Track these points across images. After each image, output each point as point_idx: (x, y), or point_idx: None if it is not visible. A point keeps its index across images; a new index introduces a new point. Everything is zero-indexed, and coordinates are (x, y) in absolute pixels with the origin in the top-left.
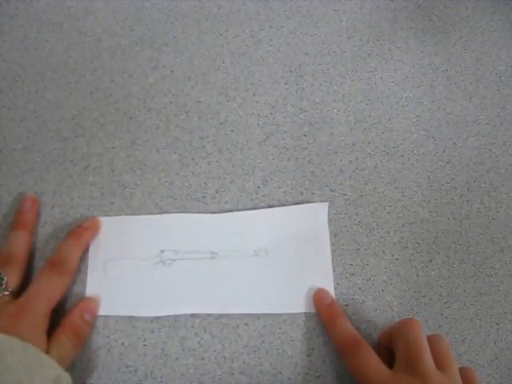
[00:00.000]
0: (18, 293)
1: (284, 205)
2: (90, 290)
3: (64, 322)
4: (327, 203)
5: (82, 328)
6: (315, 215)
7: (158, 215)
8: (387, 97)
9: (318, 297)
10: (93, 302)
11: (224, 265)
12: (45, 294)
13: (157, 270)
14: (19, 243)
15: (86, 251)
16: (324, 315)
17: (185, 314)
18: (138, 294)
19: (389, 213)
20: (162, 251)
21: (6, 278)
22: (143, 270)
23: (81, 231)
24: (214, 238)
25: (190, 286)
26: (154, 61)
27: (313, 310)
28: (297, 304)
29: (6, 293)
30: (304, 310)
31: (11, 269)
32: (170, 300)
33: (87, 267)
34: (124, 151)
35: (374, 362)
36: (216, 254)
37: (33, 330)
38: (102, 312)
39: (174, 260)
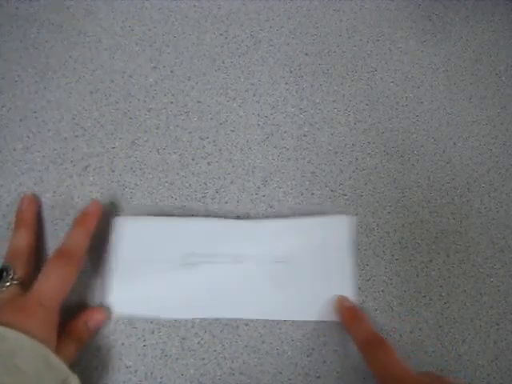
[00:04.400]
0: (27, 285)
1: (285, 205)
2: (113, 290)
3: (69, 328)
4: (355, 217)
5: (85, 335)
6: (341, 227)
7: (184, 218)
8: (387, 97)
9: (340, 300)
10: (100, 313)
11: (247, 270)
12: (54, 287)
13: (181, 272)
14: (22, 240)
15: (109, 251)
16: (345, 316)
17: None
18: (162, 296)
19: (389, 213)
20: (187, 254)
21: (13, 269)
22: (167, 272)
23: (87, 218)
24: (238, 243)
25: (212, 290)
26: (154, 61)
27: (334, 319)
28: (318, 312)
29: (15, 282)
30: (325, 319)
31: (18, 262)
32: (193, 303)
33: (111, 267)
34: (124, 151)
35: (395, 361)
36: (239, 259)
37: (43, 328)
38: (124, 312)
39: (198, 263)
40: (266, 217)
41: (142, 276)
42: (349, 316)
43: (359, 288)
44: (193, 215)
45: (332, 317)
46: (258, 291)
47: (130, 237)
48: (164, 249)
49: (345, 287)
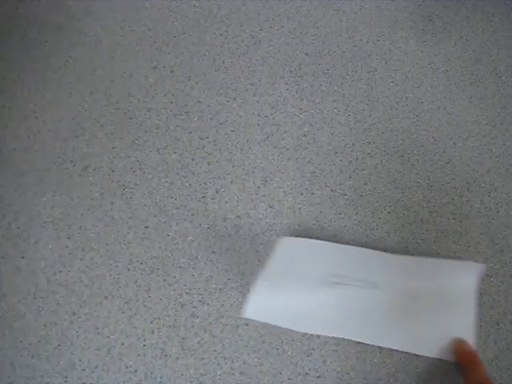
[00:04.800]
0: None
1: (285, 205)
2: (254, 296)
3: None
4: (483, 265)
5: None
6: (470, 273)
7: (334, 244)
8: (387, 97)
9: (459, 343)
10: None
11: (377, 297)
12: None
13: (321, 290)
14: None
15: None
16: (464, 359)
17: (185, 314)
18: (299, 309)
19: (389, 213)
20: (329, 274)
21: None
22: (309, 287)
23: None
24: (373, 272)
25: (345, 310)
26: (153, 61)
27: (450, 359)
28: (435, 349)
29: None
30: (441, 357)
31: None
32: (325, 320)
33: (259, 275)
34: (124, 151)
35: None
36: (372, 286)
37: None
38: (258, 318)
39: (337, 283)
40: (400, 252)
41: (283, 288)
42: (467, 360)
43: None
44: (193, 215)
45: (448, 356)
46: (384, 319)
47: (284, 253)
48: (310, 267)
49: (465, 331)
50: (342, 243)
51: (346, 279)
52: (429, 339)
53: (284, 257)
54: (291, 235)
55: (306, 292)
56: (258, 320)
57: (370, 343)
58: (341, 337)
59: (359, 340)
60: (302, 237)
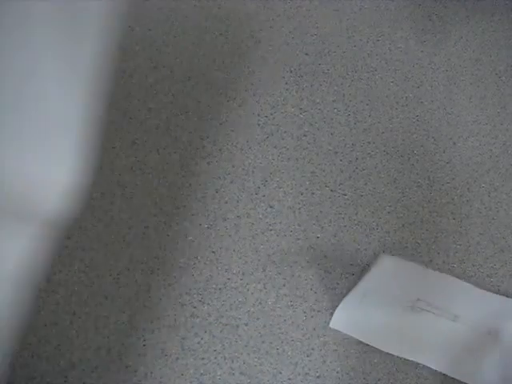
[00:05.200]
0: None
1: (285, 205)
2: (343, 308)
3: None
4: None
5: None
6: None
7: (427, 269)
8: (387, 97)
9: None
10: None
11: (459, 330)
12: None
13: (406, 313)
14: None
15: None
16: None
17: (185, 314)
18: (385, 328)
19: (389, 213)
20: (418, 299)
21: None
22: (396, 309)
23: None
24: (460, 304)
25: (427, 338)
26: (154, 61)
27: None
28: None
29: None
30: None
31: None
32: (405, 342)
33: (353, 289)
34: (124, 151)
35: None
36: (456, 318)
37: None
38: (342, 329)
39: (423, 309)
40: (485, 289)
41: (373, 306)
42: None
43: None
44: (193, 215)
45: None
46: (461, 352)
47: (381, 272)
48: (400, 289)
49: None
50: (433, 269)
51: (430, 306)
52: (505, 379)
53: (380, 275)
54: (291, 235)
55: (392, 313)
56: (344, 332)
57: (449, 374)
58: (420, 362)
59: (437, 369)
60: (394, 255)
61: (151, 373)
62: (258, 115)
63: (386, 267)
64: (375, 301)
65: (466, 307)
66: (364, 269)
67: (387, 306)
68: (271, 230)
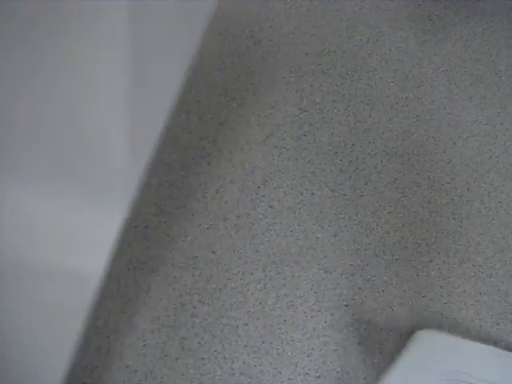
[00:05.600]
0: None
1: (285, 205)
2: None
3: None
4: None
5: None
6: None
7: (465, 340)
8: (387, 97)
9: None
10: None
11: None
12: None
13: None
14: None
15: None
16: None
17: (185, 314)
18: None
19: (389, 213)
20: (457, 371)
21: None
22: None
23: None
24: (499, 372)
25: None
26: None
27: None
28: None
29: None
30: None
31: None
32: None
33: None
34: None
35: None
36: None
37: None
38: None
39: (462, 381)
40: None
41: (415, 379)
42: None
43: (359, 288)
44: (193, 215)
45: None
46: None
47: (420, 348)
48: (440, 363)
49: None
50: (468, 339)
51: (469, 378)
52: None
53: (418, 352)
54: (291, 235)
55: None
56: None
57: None
58: None
59: None
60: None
61: (151, 373)
62: (258, 115)
63: (424, 343)
64: (415, 378)
65: (505, 375)
66: (364, 269)
67: (427, 377)
68: (271, 230)
